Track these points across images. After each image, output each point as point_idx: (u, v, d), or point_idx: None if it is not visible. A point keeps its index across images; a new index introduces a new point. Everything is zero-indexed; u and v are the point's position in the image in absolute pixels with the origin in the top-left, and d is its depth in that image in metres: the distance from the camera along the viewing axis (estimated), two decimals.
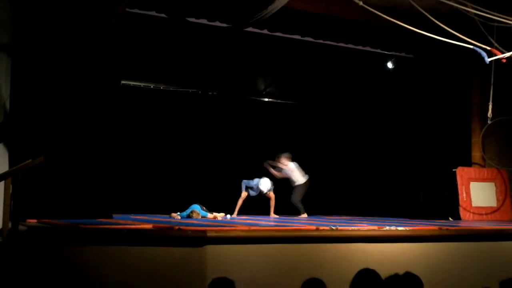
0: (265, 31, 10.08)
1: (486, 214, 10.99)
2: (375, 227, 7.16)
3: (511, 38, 9.12)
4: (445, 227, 7.40)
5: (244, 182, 10.68)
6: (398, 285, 3.63)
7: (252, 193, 10.61)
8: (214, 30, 9.71)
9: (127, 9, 8.22)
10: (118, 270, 5.13)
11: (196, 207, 9.52)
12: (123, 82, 9.18)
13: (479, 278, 6.60)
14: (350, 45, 10.98)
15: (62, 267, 5.16)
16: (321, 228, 6.59)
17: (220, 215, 9.63)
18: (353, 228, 6.98)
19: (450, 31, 7.73)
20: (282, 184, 11.26)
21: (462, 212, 10.85)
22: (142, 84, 11.34)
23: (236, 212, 10.48)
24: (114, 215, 7.99)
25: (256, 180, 10.64)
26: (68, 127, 7.82)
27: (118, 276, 5.13)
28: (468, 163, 11.50)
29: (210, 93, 12.17)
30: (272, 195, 10.78)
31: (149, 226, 6.57)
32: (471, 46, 7.80)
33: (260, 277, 5.59)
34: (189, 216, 9.33)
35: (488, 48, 7.99)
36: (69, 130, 7.82)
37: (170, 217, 9.29)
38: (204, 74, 11.83)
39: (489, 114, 9.65)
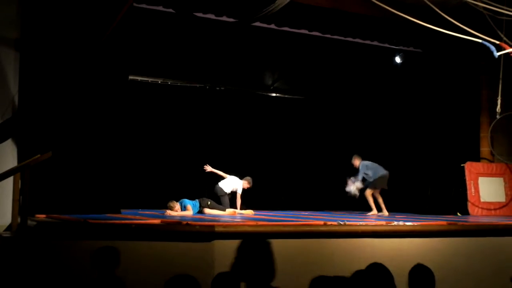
0: (273, 26, 10.05)
1: (494, 209, 10.96)
2: (383, 222, 7.16)
3: None
4: (454, 222, 7.39)
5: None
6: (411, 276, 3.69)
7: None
8: (222, 25, 9.70)
9: (135, 4, 8.22)
10: (126, 264, 5.14)
11: (188, 202, 9.30)
12: (130, 77, 9.19)
13: (487, 273, 6.58)
14: (357, 40, 10.92)
15: (71, 262, 5.18)
16: (329, 223, 6.58)
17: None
18: (361, 223, 6.97)
19: (458, 25, 7.68)
20: None
21: (470, 207, 10.82)
22: (149, 79, 11.36)
23: (375, 208, 10.07)
24: (122, 210, 8.01)
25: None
26: (76, 123, 7.85)
27: (126, 270, 5.14)
28: (476, 158, 11.45)
29: (217, 88, 12.16)
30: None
31: (157, 221, 6.58)
32: (480, 40, 7.74)
33: None
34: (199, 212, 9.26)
35: (497, 42, 7.93)
36: (77, 126, 7.85)
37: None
38: (211, 69, 11.82)
39: (498, 109, 9.58)
